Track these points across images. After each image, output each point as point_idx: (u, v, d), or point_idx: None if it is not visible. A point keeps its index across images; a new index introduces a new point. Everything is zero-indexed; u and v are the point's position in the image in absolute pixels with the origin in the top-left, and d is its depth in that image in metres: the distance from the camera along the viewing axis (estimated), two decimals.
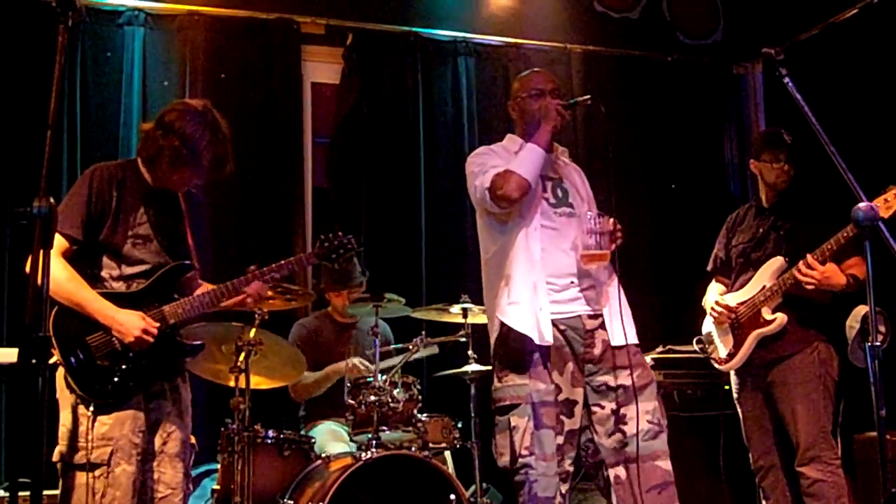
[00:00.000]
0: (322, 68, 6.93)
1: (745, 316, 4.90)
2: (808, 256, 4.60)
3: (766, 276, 4.88)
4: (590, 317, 4.08)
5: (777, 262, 4.86)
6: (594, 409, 4.03)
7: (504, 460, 4.00)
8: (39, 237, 2.69)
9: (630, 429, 3.95)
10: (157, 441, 3.86)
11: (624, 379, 4.00)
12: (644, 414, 3.97)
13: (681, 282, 6.61)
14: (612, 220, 4.05)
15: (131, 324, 3.72)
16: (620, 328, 4.06)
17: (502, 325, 4.08)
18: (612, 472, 3.97)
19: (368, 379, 5.10)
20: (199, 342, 4.09)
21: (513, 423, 3.96)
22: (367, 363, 5.52)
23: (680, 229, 7.18)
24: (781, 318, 4.79)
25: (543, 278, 4.02)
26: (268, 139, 6.53)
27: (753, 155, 5.11)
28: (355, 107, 6.72)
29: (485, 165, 4.16)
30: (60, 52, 2.90)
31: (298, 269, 4.34)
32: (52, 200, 2.74)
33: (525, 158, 4.07)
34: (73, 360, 3.68)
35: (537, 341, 3.96)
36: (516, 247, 4.07)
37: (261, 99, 6.57)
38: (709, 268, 5.34)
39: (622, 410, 3.98)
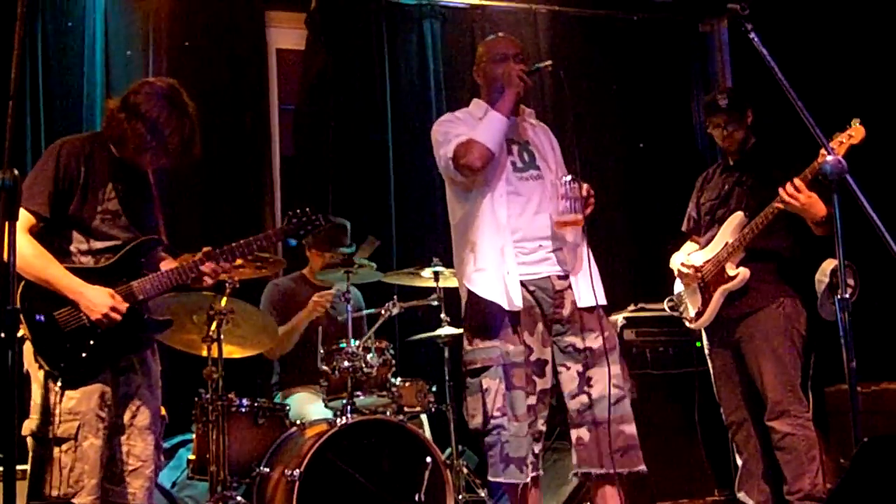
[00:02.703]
0: (287, 34, 6.87)
1: (711, 273, 4.93)
2: (796, 179, 4.57)
3: (728, 232, 4.90)
4: (559, 277, 4.08)
5: (737, 217, 4.88)
6: (560, 369, 4.05)
7: (476, 422, 4.02)
8: (4, 209, 2.67)
9: (595, 392, 3.98)
10: (127, 415, 3.85)
11: (591, 342, 4.02)
12: (611, 378, 3.99)
13: (651, 241, 6.63)
14: (585, 185, 4.04)
15: (99, 300, 3.69)
16: (589, 290, 4.08)
17: (470, 291, 4.09)
18: (574, 433, 4.01)
19: (342, 344, 5.10)
20: (167, 318, 4.07)
21: (484, 385, 3.98)
22: (327, 293, 5.55)
23: (649, 188, 7.19)
24: (744, 272, 4.82)
25: (511, 242, 4.02)
26: (233, 107, 6.48)
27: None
28: (321, 73, 6.68)
29: (448, 134, 4.14)
30: (20, 23, 2.86)
31: (267, 245, 4.31)
32: (15, 172, 2.71)
33: (487, 126, 4.05)
34: (40, 335, 3.64)
35: (506, 307, 3.98)
36: (482, 212, 4.07)
37: (225, 67, 6.50)
38: (683, 228, 5.35)
39: (588, 373, 4.00)
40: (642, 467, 3.97)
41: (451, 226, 4.29)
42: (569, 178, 4.05)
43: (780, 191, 4.57)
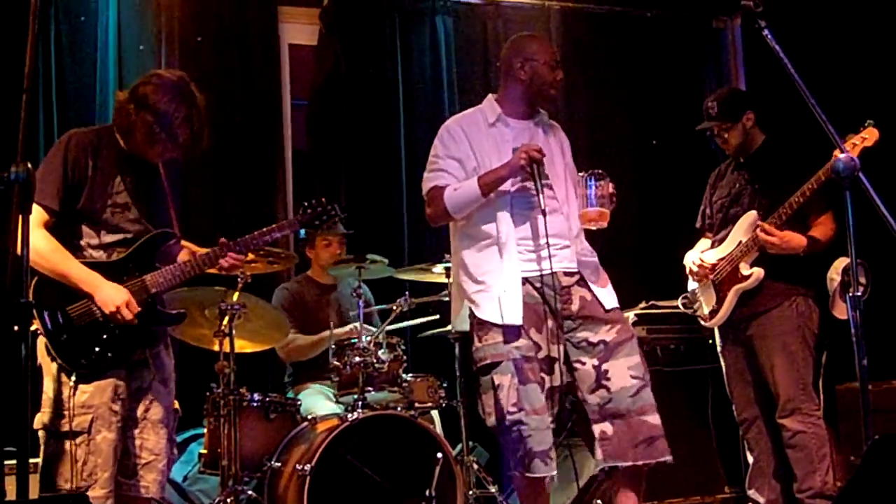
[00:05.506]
0: (299, 30, 6.88)
1: (725, 272, 4.92)
2: (763, 224, 4.64)
3: (741, 231, 4.89)
4: (565, 273, 4.04)
5: (751, 216, 4.87)
6: (575, 365, 4.00)
7: (492, 420, 3.98)
8: (18, 203, 2.68)
9: (613, 385, 3.94)
10: (140, 408, 3.85)
11: (604, 335, 3.99)
12: (627, 370, 3.96)
13: (663, 238, 6.63)
14: (610, 182, 4.02)
15: (116, 296, 3.69)
16: (602, 294, 4.07)
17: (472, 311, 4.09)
18: (597, 428, 3.95)
19: (353, 340, 5.11)
20: (180, 311, 4.07)
21: (496, 382, 3.94)
22: (369, 328, 5.48)
23: (662, 185, 7.18)
24: (758, 272, 4.81)
25: (515, 251, 3.99)
26: (246, 102, 6.49)
27: None
28: (333, 68, 6.68)
29: (437, 162, 4.15)
30: (34, 17, 2.87)
31: (281, 237, 4.31)
32: (29, 166, 2.72)
33: (462, 195, 4.02)
34: (53, 329, 3.65)
35: (500, 322, 3.95)
36: (484, 219, 4.06)
37: (238, 62, 6.52)
38: (697, 224, 5.34)
39: (604, 367, 3.96)
40: (668, 458, 3.92)
41: (450, 225, 4.29)
42: (598, 172, 4.01)
43: (757, 232, 4.69)
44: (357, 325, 5.43)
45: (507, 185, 4.03)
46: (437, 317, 5.71)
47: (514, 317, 3.94)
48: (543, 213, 3.94)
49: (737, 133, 4.99)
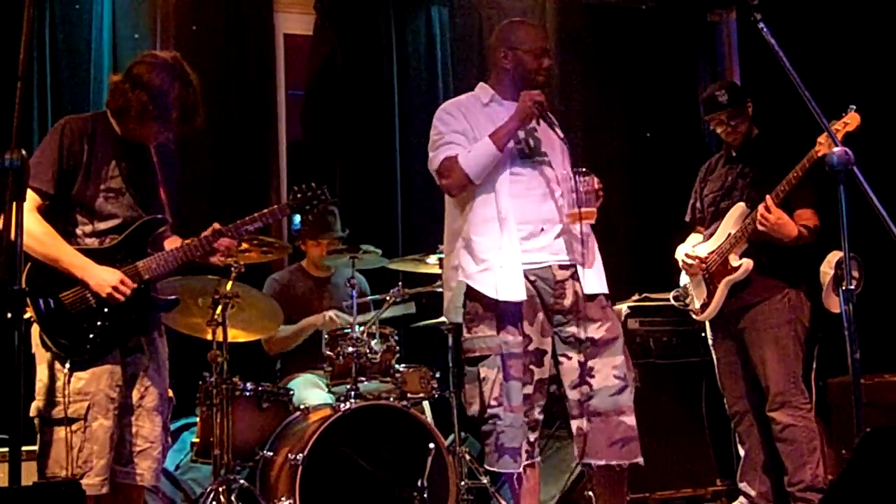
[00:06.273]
0: (294, 19, 6.86)
1: (715, 265, 4.93)
2: (768, 197, 4.61)
3: (730, 223, 4.90)
4: (560, 267, 4.05)
5: (739, 208, 4.88)
6: (561, 359, 4.03)
7: (473, 409, 4.02)
8: (12, 190, 2.68)
9: (596, 382, 3.96)
10: (135, 395, 3.86)
11: (592, 332, 4.00)
12: (612, 369, 3.98)
13: (656, 231, 6.62)
14: (595, 178, 4.02)
15: (108, 277, 3.70)
16: (592, 278, 4.07)
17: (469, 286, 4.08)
18: (574, 424, 3.99)
19: (346, 330, 5.11)
20: (173, 297, 4.08)
21: (482, 374, 3.97)
22: (343, 315, 5.51)
23: (656, 178, 7.17)
24: (747, 263, 4.82)
25: (513, 232, 3.99)
26: (241, 92, 6.47)
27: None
28: (329, 58, 6.66)
29: (442, 138, 4.13)
30: (29, 5, 2.87)
31: (272, 222, 4.30)
32: (23, 153, 2.72)
33: (477, 155, 4.01)
34: (46, 316, 3.66)
35: (510, 299, 3.95)
36: (483, 198, 4.06)
37: (233, 51, 6.49)
38: (687, 218, 5.35)
39: (589, 364, 3.98)
40: (640, 459, 3.96)
41: (445, 208, 4.29)
42: (582, 170, 4.02)
43: (756, 211, 4.65)
44: (332, 313, 5.44)
45: (507, 174, 4.04)
46: (413, 309, 5.67)
47: (511, 293, 3.94)
48: (564, 141, 4.13)
49: (745, 121, 4.99)
